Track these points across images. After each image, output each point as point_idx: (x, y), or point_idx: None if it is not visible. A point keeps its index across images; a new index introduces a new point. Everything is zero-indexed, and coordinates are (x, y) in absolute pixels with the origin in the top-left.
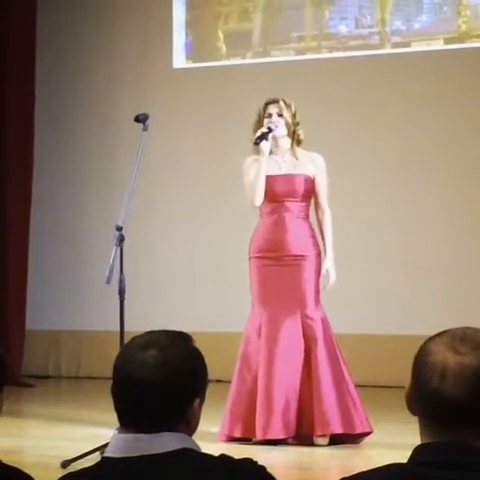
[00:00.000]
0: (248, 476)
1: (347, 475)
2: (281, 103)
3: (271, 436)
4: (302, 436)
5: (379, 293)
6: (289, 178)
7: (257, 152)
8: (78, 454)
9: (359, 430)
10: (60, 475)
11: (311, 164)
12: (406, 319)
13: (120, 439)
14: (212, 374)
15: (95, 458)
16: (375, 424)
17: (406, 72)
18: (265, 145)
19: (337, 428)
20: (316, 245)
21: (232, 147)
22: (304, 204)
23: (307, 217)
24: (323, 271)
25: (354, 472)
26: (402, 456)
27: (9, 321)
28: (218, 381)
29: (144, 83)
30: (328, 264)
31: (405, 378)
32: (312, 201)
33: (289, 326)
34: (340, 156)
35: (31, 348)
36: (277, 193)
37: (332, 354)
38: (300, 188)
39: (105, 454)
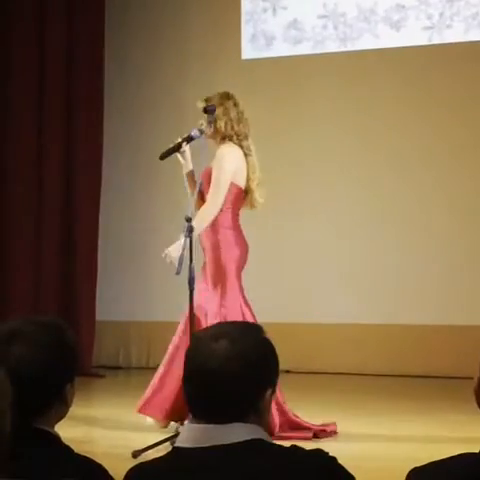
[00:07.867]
0: (319, 467)
1: (415, 466)
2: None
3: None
4: None
5: (446, 284)
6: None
7: None
8: (148, 444)
9: None
10: (131, 465)
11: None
12: (470, 310)
13: (192, 429)
14: (282, 364)
15: (165, 448)
16: (444, 416)
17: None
18: None
19: None
20: None
21: (299, 139)
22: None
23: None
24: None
25: (422, 463)
26: (469, 447)
27: (80, 312)
28: (288, 372)
29: (213, 74)
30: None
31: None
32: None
33: None
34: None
35: (102, 339)
36: None
37: None
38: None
39: (177, 444)
